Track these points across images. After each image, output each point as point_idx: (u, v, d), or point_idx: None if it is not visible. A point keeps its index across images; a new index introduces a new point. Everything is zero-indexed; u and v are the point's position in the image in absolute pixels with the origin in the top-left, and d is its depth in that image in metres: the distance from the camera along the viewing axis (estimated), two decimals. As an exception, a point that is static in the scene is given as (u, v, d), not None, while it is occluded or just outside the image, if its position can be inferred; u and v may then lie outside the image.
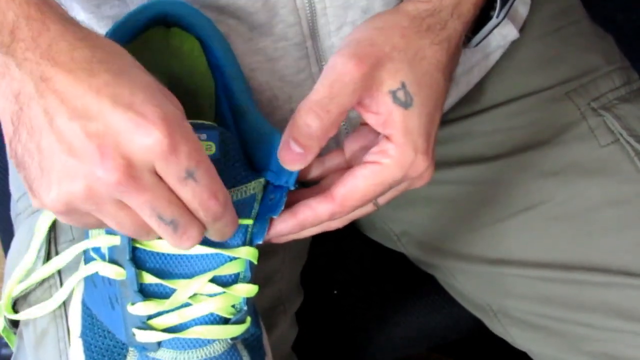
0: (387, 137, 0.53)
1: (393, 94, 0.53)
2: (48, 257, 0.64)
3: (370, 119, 0.54)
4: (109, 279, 0.54)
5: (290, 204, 0.55)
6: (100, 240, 0.54)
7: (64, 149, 0.45)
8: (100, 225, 0.49)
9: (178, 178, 0.46)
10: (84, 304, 0.59)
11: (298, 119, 0.52)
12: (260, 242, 0.55)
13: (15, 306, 0.67)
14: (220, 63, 0.58)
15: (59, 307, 0.63)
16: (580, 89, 0.74)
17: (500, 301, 0.75)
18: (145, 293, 0.53)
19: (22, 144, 0.47)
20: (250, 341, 0.58)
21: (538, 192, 0.72)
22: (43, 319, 0.64)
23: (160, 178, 0.46)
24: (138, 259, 0.53)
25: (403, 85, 0.53)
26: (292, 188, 0.54)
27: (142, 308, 0.53)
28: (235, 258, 0.54)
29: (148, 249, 0.53)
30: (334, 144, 0.69)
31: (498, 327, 0.77)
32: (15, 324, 0.67)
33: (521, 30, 0.74)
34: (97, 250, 0.55)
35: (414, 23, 0.55)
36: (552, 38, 0.76)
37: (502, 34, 0.71)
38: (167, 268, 0.54)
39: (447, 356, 1.15)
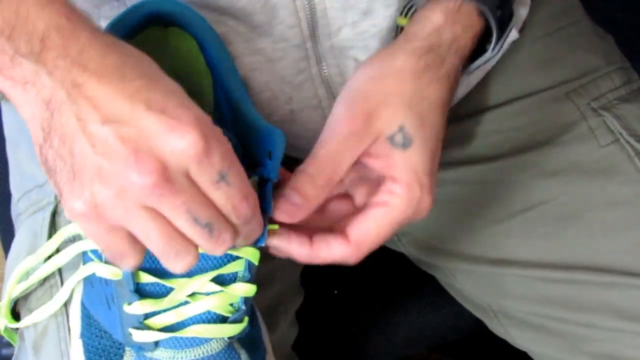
0: (391, 179, 0.55)
1: (391, 138, 0.54)
2: (49, 257, 0.64)
3: (372, 163, 0.56)
4: (105, 279, 0.54)
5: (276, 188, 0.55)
6: None
7: (97, 152, 0.45)
8: (126, 243, 0.48)
9: (211, 181, 0.46)
10: (82, 305, 0.59)
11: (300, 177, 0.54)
12: (263, 245, 0.55)
13: (16, 306, 0.67)
14: (214, 60, 0.58)
15: (60, 307, 0.63)
16: (580, 89, 0.74)
17: (500, 301, 0.75)
18: (142, 293, 0.53)
19: (54, 149, 0.47)
20: (246, 340, 0.58)
21: (538, 193, 0.72)
22: (48, 319, 0.64)
23: (194, 182, 0.46)
24: None
25: (401, 129, 0.54)
26: (275, 180, 0.54)
27: (138, 307, 0.53)
28: (236, 258, 0.54)
29: None
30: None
31: (498, 327, 0.77)
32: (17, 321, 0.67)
33: (521, 30, 0.74)
34: (94, 251, 0.55)
35: (411, 63, 0.56)
36: (552, 38, 0.76)
37: (502, 34, 0.71)
38: (163, 267, 0.54)
39: (448, 356, 1.15)
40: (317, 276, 0.83)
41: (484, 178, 0.74)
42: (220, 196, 0.47)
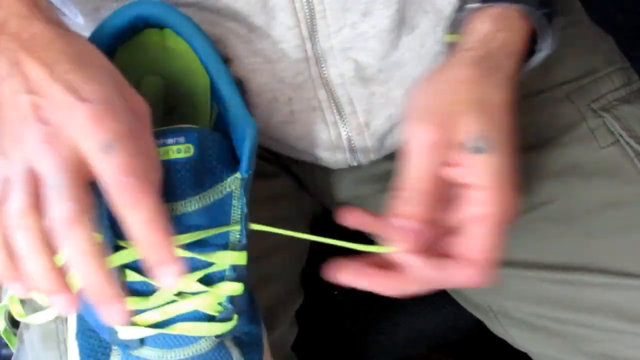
0: (477, 187, 0.55)
1: (471, 145, 0.55)
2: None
3: (450, 172, 0.56)
4: None
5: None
6: None
7: (12, 116, 0.49)
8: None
9: (97, 147, 0.48)
10: None
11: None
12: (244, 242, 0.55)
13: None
14: (202, 59, 0.58)
15: None
16: (580, 90, 0.74)
17: (500, 302, 0.75)
18: (128, 290, 0.53)
19: None
20: (243, 339, 0.58)
21: (538, 193, 0.72)
22: (48, 321, 0.64)
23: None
24: None
25: (480, 134, 0.55)
26: (244, 176, 0.54)
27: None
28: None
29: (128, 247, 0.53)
30: (333, 136, 0.69)
31: (498, 328, 0.77)
32: (15, 324, 0.67)
33: (521, 30, 0.74)
34: None
35: (471, 72, 0.58)
36: (552, 39, 0.76)
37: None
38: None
39: (448, 356, 1.15)
40: (317, 276, 0.83)
41: (484, 178, 0.74)
42: (103, 165, 0.48)
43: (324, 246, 0.82)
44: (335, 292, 0.86)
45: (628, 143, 0.71)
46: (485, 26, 0.60)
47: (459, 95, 0.57)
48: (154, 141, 0.52)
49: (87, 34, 0.67)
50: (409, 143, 0.56)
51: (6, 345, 0.69)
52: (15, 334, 0.67)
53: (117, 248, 0.53)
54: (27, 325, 0.65)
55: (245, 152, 0.54)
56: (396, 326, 0.87)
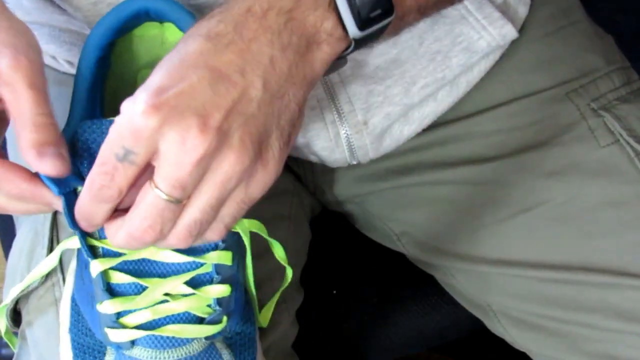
0: None
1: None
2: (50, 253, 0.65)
3: None
4: (89, 277, 0.55)
5: None
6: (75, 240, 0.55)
7: None
8: None
9: None
10: (73, 300, 0.59)
11: None
12: (222, 244, 0.55)
13: (17, 305, 0.67)
14: None
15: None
16: (580, 89, 0.74)
17: (500, 301, 0.75)
18: (113, 292, 0.53)
19: None
20: (235, 340, 0.58)
21: (538, 193, 0.72)
22: (49, 318, 0.64)
23: None
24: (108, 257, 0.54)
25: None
26: None
27: (109, 306, 0.53)
28: (203, 263, 0.54)
29: (114, 249, 0.53)
30: (332, 136, 0.69)
31: (498, 327, 0.77)
32: (17, 324, 0.67)
33: (520, 30, 0.74)
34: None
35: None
36: (552, 38, 0.76)
37: (501, 34, 0.71)
38: (138, 268, 0.54)
39: (447, 356, 1.15)
40: (317, 276, 0.83)
41: (484, 178, 0.74)
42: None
43: (324, 246, 0.82)
44: (335, 292, 0.86)
45: (628, 142, 0.71)
46: None
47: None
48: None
49: (87, 31, 0.67)
50: None
51: (6, 345, 0.69)
52: (16, 334, 0.67)
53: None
54: (29, 324, 0.65)
55: None
56: (396, 326, 0.87)
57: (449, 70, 0.71)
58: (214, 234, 0.50)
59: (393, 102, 0.70)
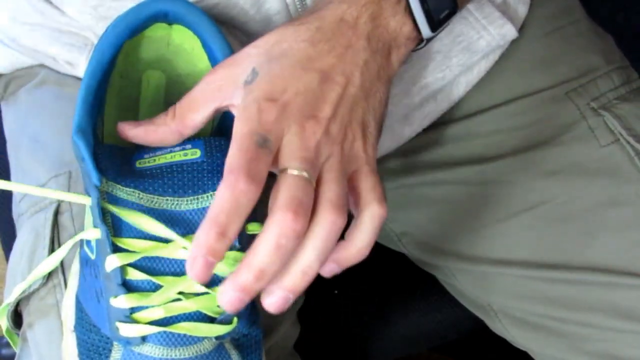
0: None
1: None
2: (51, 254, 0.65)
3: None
4: (96, 272, 0.55)
5: None
6: (89, 233, 0.55)
7: None
8: None
9: None
10: (77, 299, 0.59)
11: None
12: (237, 245, 0.55)
13: (18, 306, 0.67)
14: (217, 58, 0.58)
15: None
16: (580, 88, 0.74)
17: (500, 301, 0.75)
18: (129, 287, 0.53)
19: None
20: (242, 341, 0.58)
21: (538, 192, 0.72)
22: (50, 320, 0.64)
23: None
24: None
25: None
26: None
27: (124, 301, 0.53)
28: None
29: (130, 248, 0.53)
30: None
31: (499, 327, 0.77)
32: (18, 325, 0.67)
33: (520, 29, 0.74)
34: (88, 241, 0.56)
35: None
36: (552, 38, 0.76)
37: (500, 33, 0.71)
38: (153, 265, 0.54)
39: (448, 356, 1.15)
40: (318, 276, 0.83)
41: (484, 178, 0.74)
42: None
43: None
44: (336, 292, 0.86)
45: (628, 142, 0.71)
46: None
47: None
48: None
49: (87, 32, 0.67)
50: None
51: (6, 345, 0.69)
52: (17, 334, 0.67)
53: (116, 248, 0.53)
54: (30, 325, 0.65)
55: None
56: (396, 326, 0.87)
57: (448, 70, 0.71)
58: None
59: (393, 102, 0.70)
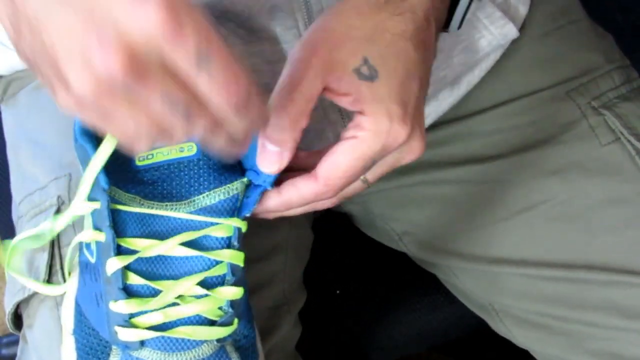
0: (360, 113, 0.53)
1: (357, 71, 0.53)
2: (52, 259, 0.65)
3: (341, 101, 0.54)
4: (96, 276, 0.55)
5: (279, 183, 0.55)
6: (88, 234, 0.55)
7: (61, 38, 0.42)
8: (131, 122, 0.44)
9: (190, 63, 0.41)
10: (76, 302, 0.59)
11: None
12: (248, 215, 0.55)
13: (18, 308, 0.67)
14: None
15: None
16: (580, 88, 0.74)
17: (502, 300, 0.75)
18: (129, 292, 0.54)
19: (28, 43, 0.44)
20: (242, 343, 0.58)
21: (539, 192, 0.72)
22: (50, 322, 0.64)
23: (169, 67, 0.42)
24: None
25: (365, 61, 0.53)
26: (269, 188, 0.55)
27: (124, 306, 0.53)
28: (219, 262, 0.55)
29: (131, 247, 0.54)
30: (333, 137, 0.69)
31: (500, 326, 0.77)
32: (18, 326, 0.67)
33: (521, 29, 0.74)
34: (88, 247, 0.56)
35: (370, 0, 0.56)
36: (552, 37, 0.76)
37: (502, 33, 0.71)
38: (151, 269, 0.54)
39: (449, 356, 1.15)
40: (319, 276, 0.83)
41: (484, 178, 0.74)
42: (202, 81, 0.42)
43: (326, 246, 0.82)
44: (337, 292, 0.86)
45: (629, 141, 0.71)
46: None
47: (353, 21, 0.54)
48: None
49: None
50: (291, 61, 0.54)
51: (6, 345, 0.69)
52: (19, 331, 0.67)
53: (119, 248, 0.53)
54: (30, 327, 0.65)
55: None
56: (398, 325, 0.87)
57: (450, 69, 0.71)
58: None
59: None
